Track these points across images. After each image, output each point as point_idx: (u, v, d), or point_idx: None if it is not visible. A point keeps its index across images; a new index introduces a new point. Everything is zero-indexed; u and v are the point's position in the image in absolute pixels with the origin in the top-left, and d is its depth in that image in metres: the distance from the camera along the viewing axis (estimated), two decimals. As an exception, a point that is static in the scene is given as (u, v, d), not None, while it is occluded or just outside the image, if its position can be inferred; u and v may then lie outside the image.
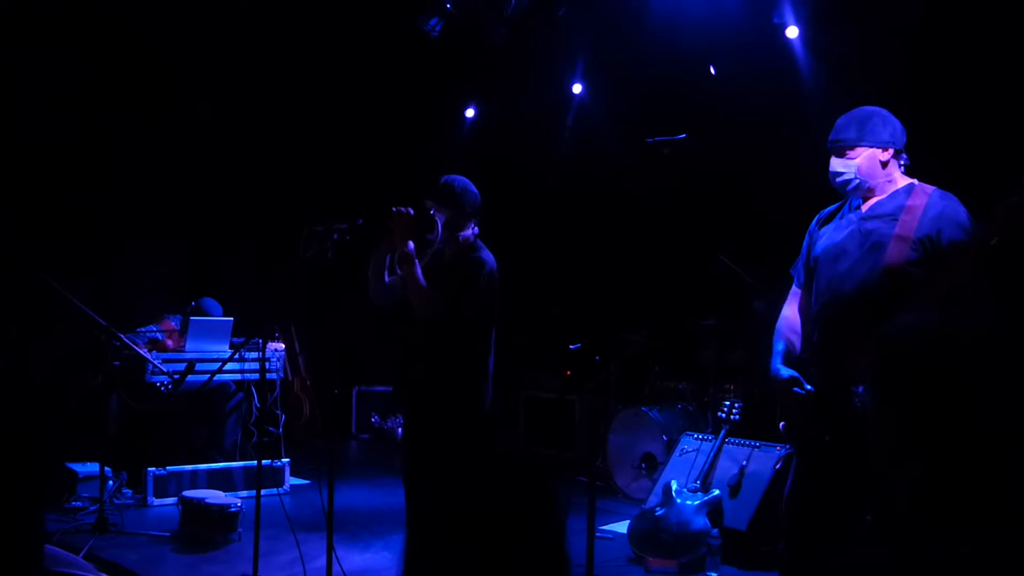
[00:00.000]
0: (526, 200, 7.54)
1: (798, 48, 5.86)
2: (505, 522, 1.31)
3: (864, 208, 2.77)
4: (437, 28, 6.70)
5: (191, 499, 4.61)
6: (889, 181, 2.74)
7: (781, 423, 2.74)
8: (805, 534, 2.69)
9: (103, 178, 6.66)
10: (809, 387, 2.65)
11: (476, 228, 3.56)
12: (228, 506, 4.55)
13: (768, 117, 5.84)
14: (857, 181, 2.74)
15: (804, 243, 2.93)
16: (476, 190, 3.54)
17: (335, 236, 3.40)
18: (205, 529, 4.51)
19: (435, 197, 3.48)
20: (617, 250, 6.83)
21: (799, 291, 2.93)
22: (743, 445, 4.75)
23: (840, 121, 2.79)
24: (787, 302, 2.97)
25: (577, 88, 7.34)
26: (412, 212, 3.35)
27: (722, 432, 4.80)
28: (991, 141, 4.39)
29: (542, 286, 7.37)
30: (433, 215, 3.41)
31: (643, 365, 6.48)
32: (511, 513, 1.32)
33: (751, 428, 4.94)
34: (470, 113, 8.13)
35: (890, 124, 2.74)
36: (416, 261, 3.33)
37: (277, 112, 7.22)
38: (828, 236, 2.81)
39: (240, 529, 4.57)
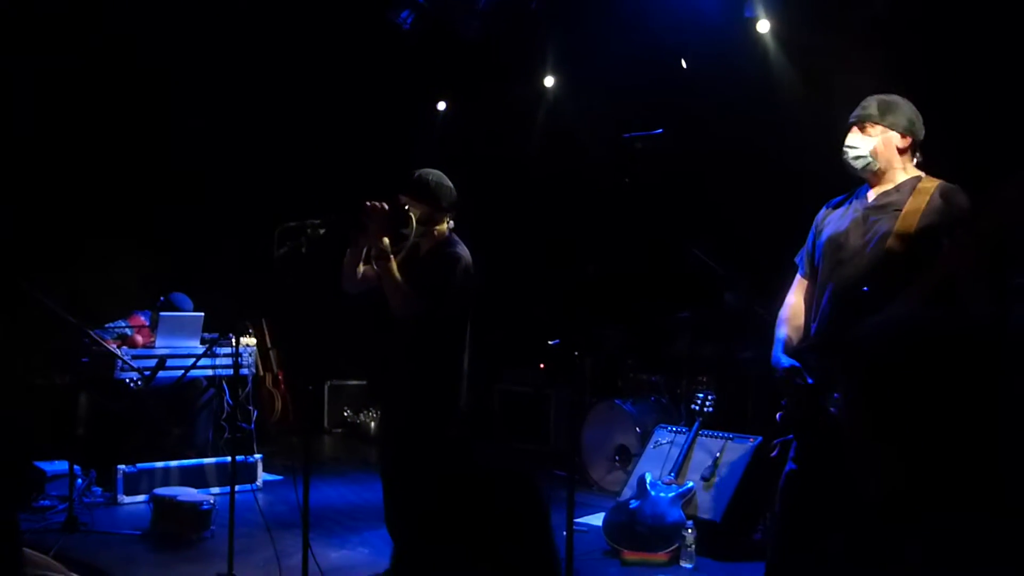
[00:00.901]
0: (500, 194, 7.54)
1: (770, 42, 5.91)
2: (494, 518, 1.30)
3: (870, 197, 2.79)
4: (408, 21, 6.66)
5: (163, 496, 4.56)
6: (901, 169, 2.77)
7: (778, 413, 2.74)
8: (797, 524, 2.71)
9: (70, 171, 6.54)
10: (810, 380, 2.66)
11: (452, 223, 3.55)
12: (200, 503, 4.50)
13: (740, 111, 5.88)
14: (869, 160, 2.77)
15: (810, 231, 2.94)
16: (451, 184, 3.53)
17: (308, 231, 3.38)
18: (177, 527, 4.46)
19: (410, 192, 3.47)
20: (591, 244, 6.84)
21: (803, 280, 2.94)
22: (717, 437, 4.79)
23: (867, 99, 2.82)
24: (791, 291, 2.97)
25: (549, 81, 7.33)
26: (387, 207, 3.33)
27: (696, 424, 4.83)
28: (976, 135, 4.44)
29: (517, 280, 7.37)
30: (408, 210, 3.39)
31: (617, 358, 6.51)
32: (499, 510, 1.32)
33: (724, 419, 4.99)
34: (442, 106, 8.09)
35: (915, 115, 2.79)
36: (392, 257, 3.32)
37: (249, 106, 7.14)
38: (833, 225, 2.83)
39: (213, 527, 4.52)
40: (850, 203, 2.85)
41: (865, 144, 2.77)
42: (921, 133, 2.79)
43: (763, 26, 5.90)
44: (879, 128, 2.76)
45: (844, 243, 2.74)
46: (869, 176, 2.80)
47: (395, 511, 3.45)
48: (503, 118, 7.46)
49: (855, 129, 2.80)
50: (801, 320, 2.87)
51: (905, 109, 2.78)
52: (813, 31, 5.58)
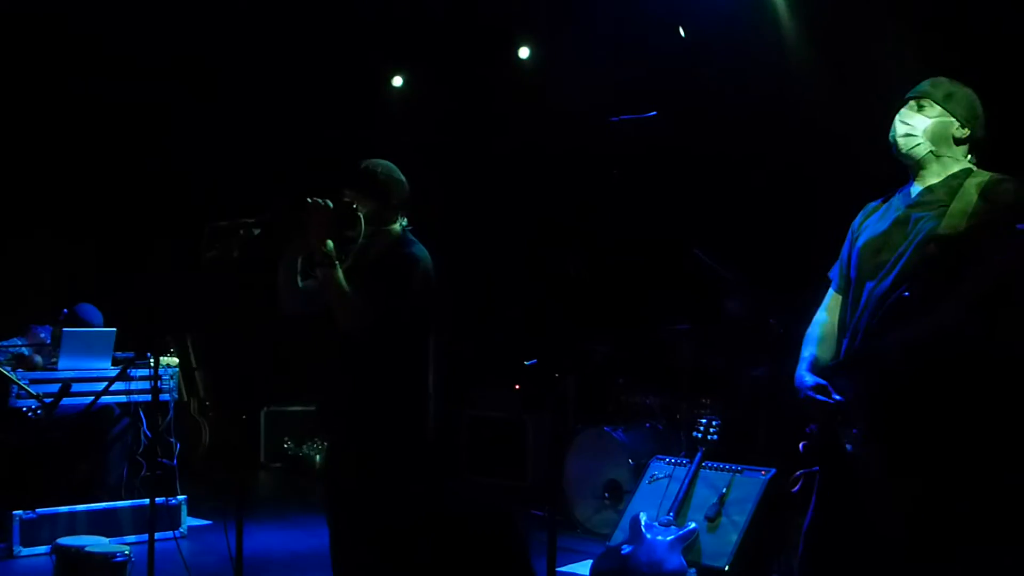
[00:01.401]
0: (466, 185, 7.55)
1: (782, 10, 5.96)
2: (465, 568, 1.31)
3: (913, 193, 2.82)
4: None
5: (68, 547, 4.49)
6: (953, 160, 2.80)
7: (802, 442, 2.77)
8: (825, 572, 2.73)
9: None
10: (837, 396, 2.68)
11: (405, 221, 3.55)
12: (113, 555, 4.44)
13: (748, 89, 5.94)
14: (920, 141, 2.79)
15: (846, 241, 2.96)
16: (402, 177, 3.53)
17: (241, 231, 3.36)
18: (86, 584, 4.40)
19: (355, 186, 3.45)
20: (574, 245, 6.86)
21: (836, 295, 2.96)
22: (723, 470, 4.83)
23: (931, 79, 2.86)
24: (822, 307, 3.00)
25: (524, 52, 7.36)
26: (331, 205, 3.32)
27: (698, 455, 4.87)
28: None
29: (487, 287, 7.39)
30: (355, 208, 3.38)
31: (606, 377, 6.54)
32: (472, 559, 1.32)
33: (731, 449, 5.02)
34: (397, 82, 8.09)
35: (979, 109, 2.83)
36: (337, 263, 3.31)
37: (171, 78, 7.09)
38: (871, 228, 2.85)
39: (129, 582, 4.47)
40: (890, 203, 2.88)
41: (919, 123, 2.80)
42: (982, 131, 2.84)
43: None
44: (938, 109, 2.80)
45: (884, 245, 2.77)
46: (914, 164, 2.83)
47: (345, 562, 3.44)
48: (470, 96, 7.47)
49: (911, 103, 2.84)
50: (832, 340, 2.89)
51: (971, 98, 2.83)
52: (835, 4, 5.64)
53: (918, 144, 2.80)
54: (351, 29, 7.18)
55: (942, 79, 2.86)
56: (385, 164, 3.52)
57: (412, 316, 3.40)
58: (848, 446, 2.63)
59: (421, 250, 3.46)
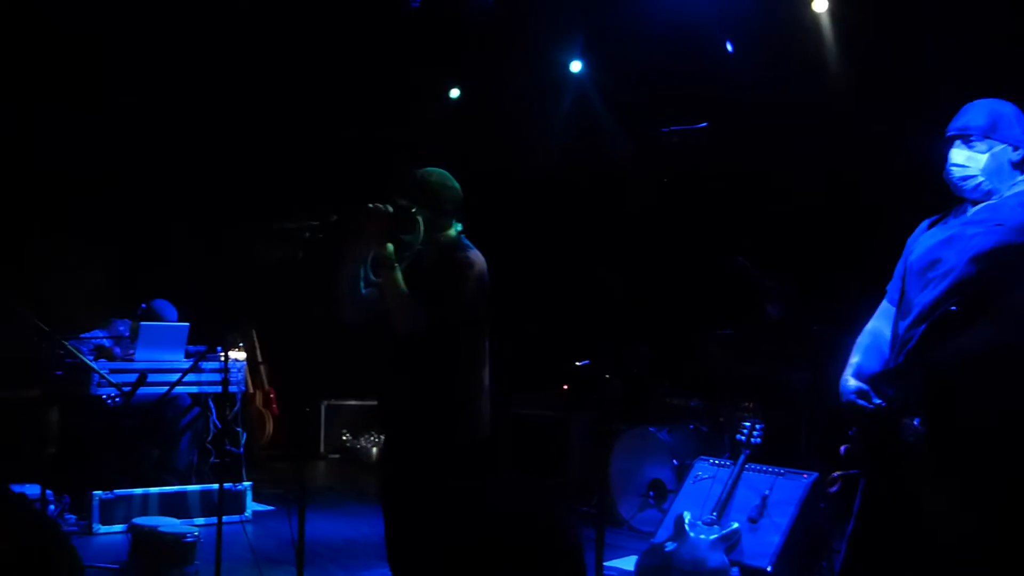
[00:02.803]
0: (517, 194, 7.54)
1: (826, 24, 5.88)
2: (517, 563, 1.30)
3: (970, 211, 2.71)
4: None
5: (142, 527, 4.58)
6: (1013, 185, 2.68)
7: (843, 446, 2.71)
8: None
9: (41, 167, 6.61)
10: (878, 401, 2.61)
11: (460, 226, 3.54)
12: (184, 535, 4.51)
13: (793, 102, 5.85)
14: (980, 179, 2.67)
15: (902, 255, 2.86)
16: (456, 184, 3.52)
17: (306, 234, 3.38)
18: (157, 561, 4.47)
19: (411, 193, 3.45)
20: (620, 251, 6.83)
21: (889, 307, 2.88)
22: (765, 472, 4.76)
23: (968, 108, 2.72)
24: (874, 316, 2.92)
25: (576, 67, 7.33)
26: (391, 210, 3.32)
27: (741, 457, 4.80)
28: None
29: (534, 291, 7.36)
30: (414, 213, 3.37)
31: (649, 380, 6.48)
32: (523, 553, 1.31)
33: (774, 452, 4.95)
34: (454, 94, 8.10)
35: (1021, 118, 2.69)
36: (396, 266, 3.31)
37: (232, 94, 7.17)
38: (927, 243, 2.76)
39: (197, 562, 4.51)
40: (947, 221, 2.79)
41: (974, 162, 2.67)
42: None
43: (820, 5, 5.88)
44: (989, 141, 2.66)
45: (937, 260, 2.68)
46: (979, 196, 2.70)
47: (400, 550, 3.44)
48: (523, 108, 7.46)
49: (959, 143, 2.70)
50: (880, 350, 2.82)
51: (1010, 113, 2.69)
52: (877, 11, 5.54)
53: (978, 182, 2.68)
54: (414, 48, 7.21)
55: (979, 106, 2.72)
56: (439, 172, 3.50)
57: (467, 318, 3.38)
58: (910, 438, 2.55)
59: (476, 254, 3.44)
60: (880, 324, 2.89)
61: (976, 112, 2.70)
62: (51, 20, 6.43)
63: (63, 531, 1.90)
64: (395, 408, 3.47)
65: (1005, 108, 2.70)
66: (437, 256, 3.46)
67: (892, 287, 2.91)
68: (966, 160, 2.68)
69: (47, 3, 6.35)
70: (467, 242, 3.50)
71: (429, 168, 3.51)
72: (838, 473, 2.79)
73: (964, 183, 2.70)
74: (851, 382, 2.73)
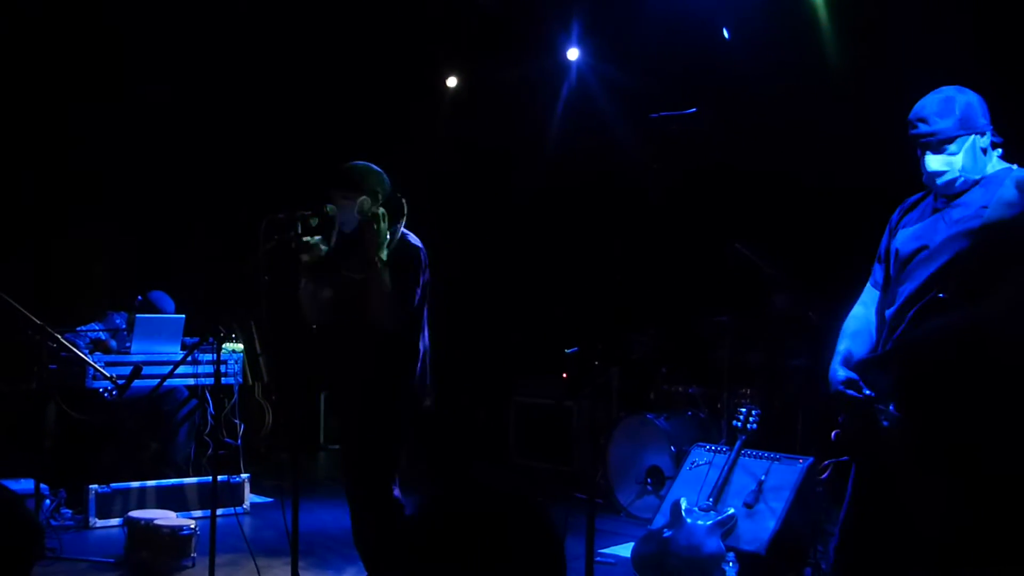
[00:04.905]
0: (516, 181, 7.52)
1: (823, 8, 5.85)
2: (495, 549, 1.30)
3: (954, 197, 2.71)
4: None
5: (138, 520, 4.59)
6: (988, 165, 2.68)
7: (834, 432, 2.71)
8: (860, 563, 2.68)
9: (35, 161, 6.60)
10: (868, 391, 2.62)
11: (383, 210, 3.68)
12: (180, 528, 4.53)
13: (791, 88, 5.83)
14: (963, 179, 2.67)
15: (883, 237, 2.87)
16: (380, 169, 3.64)
17: (300, 223, 3.42)
18: (154, 554, 4.49)
19: (353, 188, 3.53)
20: (618, 239, 6.82)
21: (874, 290, 2.88)
22: (761, 458, 4.76)
23: (927, 110, 2.68)
24: (859, 301, 2.92)
25: (573, 54, 7.31)
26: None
27: (738, 443, 4.80)
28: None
29: (534, 280, 7.35)
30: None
31: (648, 367, 6.48)
32: (501, 540, 1.32)
33: (770, 438, 4.95)
34: (452, 83, 8.07)
35: (981, 103, 2.68)
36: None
37: (228, 85, 7.15)
38: (910, 226, 2.76)
39: (194, 554, 4.54)
40: (928, 201, 2.78)
41: (951, 165, 2.66)
42: (987, 116, 2.69)
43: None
44: (959, 140, 2.64)
45: (921, 245, 2.68)
46: (963, 189, 2.69)
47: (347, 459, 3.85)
48: (520, 96, 7.44)
49: (931, 152, 2.67)
50: (867, 334, 2.81)
51: (972, 101, 2.67)
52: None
53: (962, 181, 2.68)
54: (410, 36, 7.18)
55: (941, 103, 2.67)
56: (363, 163, 3.63)
57: (422, 301, 3.60)
58: (885, 422, 2.56)
59: (414, 238, 3.63)
60: (865, 308, 2.88)
61: (938, 113, 2.66)
62: (50, 21, 6.44)
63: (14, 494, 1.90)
64: (349, 386, 3.73)
65: (964, 97, 2.67)
66: (393, 249, 3.51)
67: (876, 269, 2.90)
68: (943, 165, 2.67)
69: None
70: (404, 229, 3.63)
71: (354, 161, 3.65)
72: (828, 461, 2.80)
73: (948, 187, 2.69)
74: (840, 372, 2.73)
